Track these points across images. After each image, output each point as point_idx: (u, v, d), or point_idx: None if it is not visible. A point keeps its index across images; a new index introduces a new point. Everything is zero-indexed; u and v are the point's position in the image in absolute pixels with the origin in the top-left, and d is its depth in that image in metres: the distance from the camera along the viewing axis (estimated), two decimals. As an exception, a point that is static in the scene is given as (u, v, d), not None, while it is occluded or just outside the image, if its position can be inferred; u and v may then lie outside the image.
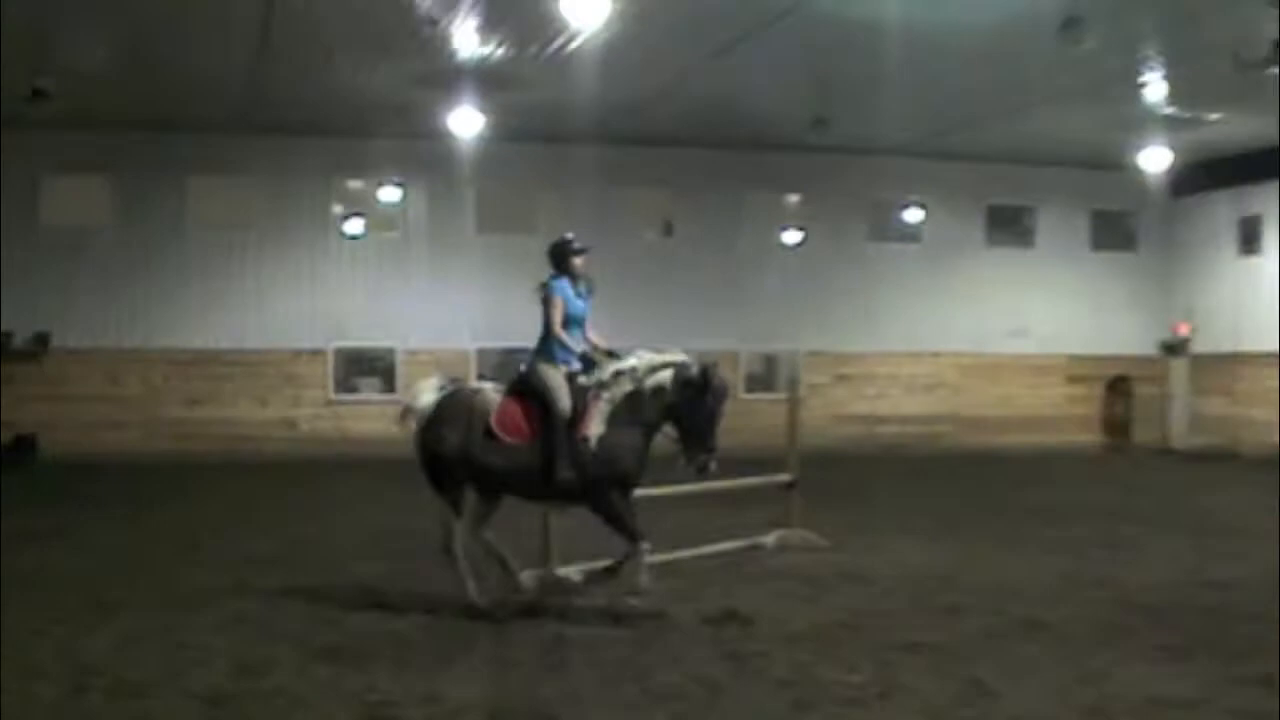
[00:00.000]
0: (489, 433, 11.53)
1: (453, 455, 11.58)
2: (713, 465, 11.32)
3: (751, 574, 13.65)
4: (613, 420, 11.39)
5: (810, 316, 31.49)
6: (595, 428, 11.37)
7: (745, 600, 11.93)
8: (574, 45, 21.59)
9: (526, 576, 12.46)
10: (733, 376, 31.29)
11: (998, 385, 33.10)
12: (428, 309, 30.62)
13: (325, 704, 8.62)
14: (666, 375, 11.41)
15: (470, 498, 11.84)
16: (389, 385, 30.64)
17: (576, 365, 11.70)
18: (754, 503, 16.05)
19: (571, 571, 12.73)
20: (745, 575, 13.55)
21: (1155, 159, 29.68)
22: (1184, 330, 33.61)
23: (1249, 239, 32.06)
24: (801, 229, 33.18)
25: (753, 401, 29.67)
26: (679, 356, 11.58)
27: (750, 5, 19.89)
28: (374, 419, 29.61)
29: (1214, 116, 26.59)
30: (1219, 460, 29.57)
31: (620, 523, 11.38)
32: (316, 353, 30.42)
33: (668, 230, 32.62)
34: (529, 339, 11.87)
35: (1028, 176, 32.87)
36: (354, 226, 31.42)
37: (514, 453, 11.47)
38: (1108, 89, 24.06)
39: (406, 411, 12.05)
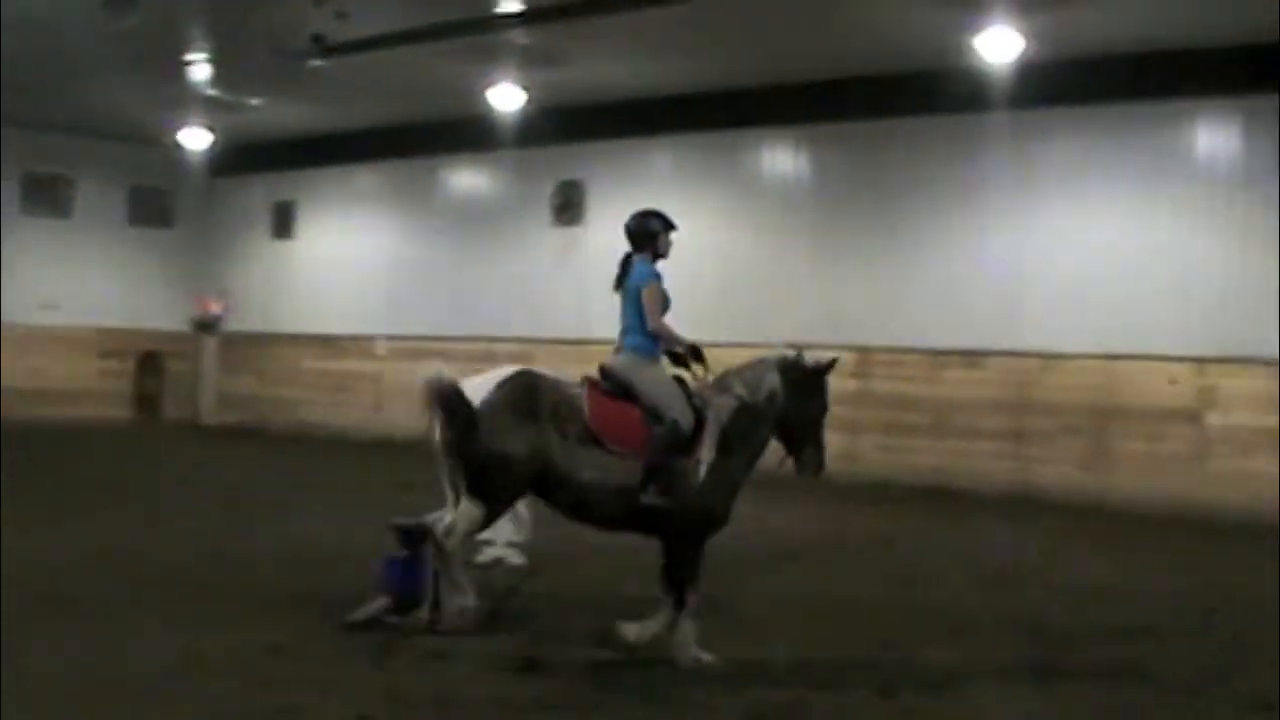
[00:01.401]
0: (587, 435, 9.50)
1: (523, 458, 9.43)
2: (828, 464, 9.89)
3: None
4: (720, 443, 9.62)
5: None
6: (709, 452, 9.58)
7: None
8: None
9: None
10: None
11: (29, 357, 32.07)
12: None
13: None
14: (775, 377, 9.74)
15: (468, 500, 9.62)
16: None
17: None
18: None
19: None
20: None
21: (195, 138, 30.19)
22: (215, 308, 34.33)
23: (283, 223, 33.30)
24: None
25: None
26: (775, 351, 9.93)
27: None
28: None
29: (255, 102, 27.40)
30: (247, 437, 30.56)
31: (693, 574, 9.61)
32: None
33: None
34: None
35: (67, 146, 32.25)
36: None
37: (614, 465, 9.49)
38: (151, 65, 24.17)
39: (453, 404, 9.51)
